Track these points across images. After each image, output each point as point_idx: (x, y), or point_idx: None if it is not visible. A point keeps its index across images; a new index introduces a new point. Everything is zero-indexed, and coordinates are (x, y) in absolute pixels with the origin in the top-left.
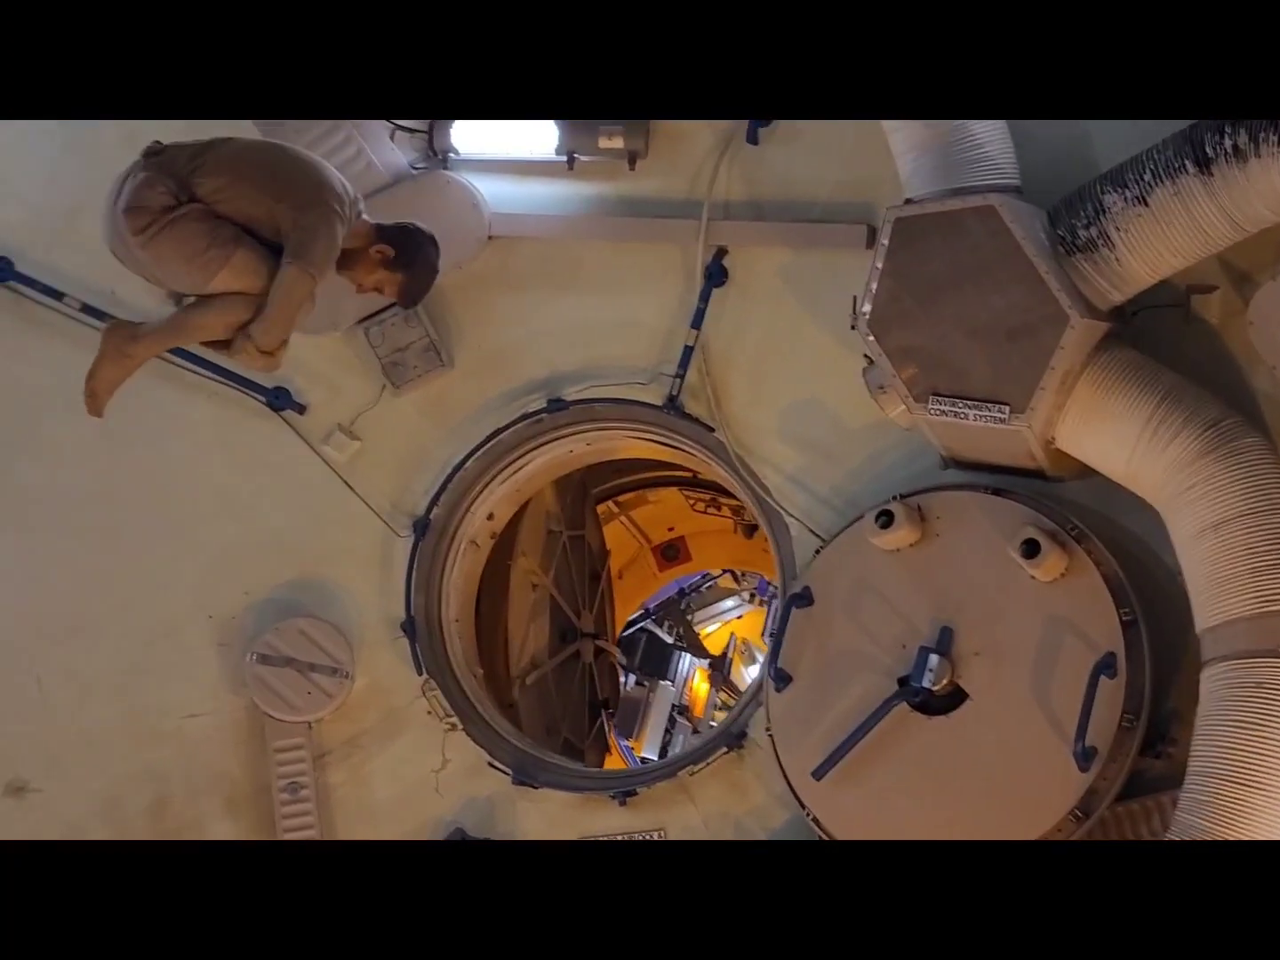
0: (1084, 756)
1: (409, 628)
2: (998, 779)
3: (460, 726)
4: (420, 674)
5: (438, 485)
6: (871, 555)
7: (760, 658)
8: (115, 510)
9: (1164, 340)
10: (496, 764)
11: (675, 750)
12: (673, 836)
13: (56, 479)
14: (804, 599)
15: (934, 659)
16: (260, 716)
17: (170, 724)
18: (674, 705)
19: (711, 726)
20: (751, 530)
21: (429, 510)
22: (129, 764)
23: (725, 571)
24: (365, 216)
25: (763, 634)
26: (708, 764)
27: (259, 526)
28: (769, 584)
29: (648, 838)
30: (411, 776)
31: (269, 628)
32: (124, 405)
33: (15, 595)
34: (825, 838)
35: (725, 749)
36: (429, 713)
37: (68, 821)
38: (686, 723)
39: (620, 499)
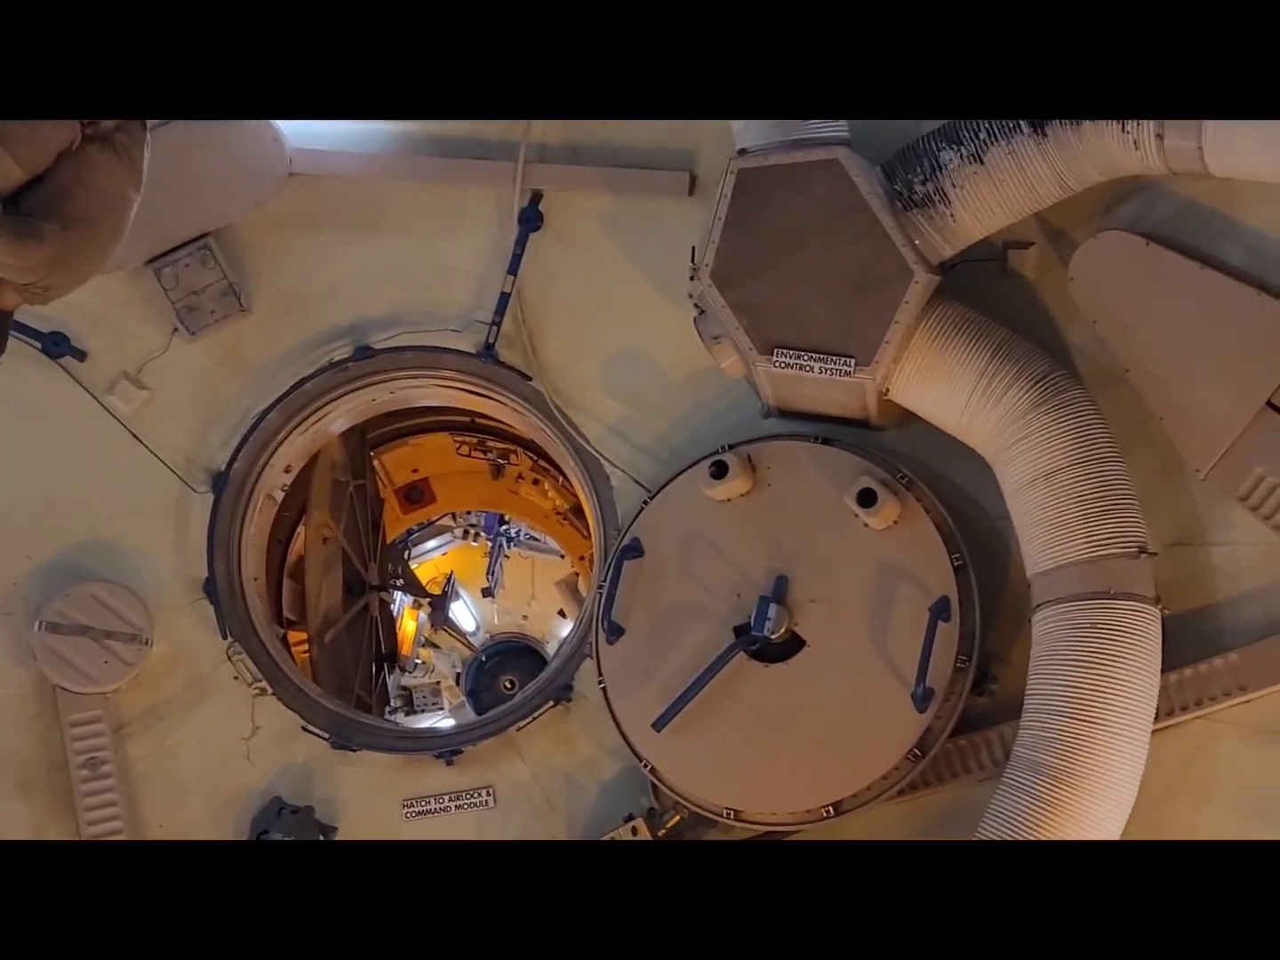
0: (923, 698)
1: (211, 589)
2: (836, 723)
3: (270, 691)
4: (225, 637)
5: (239, 437)
6: (702, 505)
7: (466, 596)
8: None
9: (981, 293)
10: (311, 728)
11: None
12: (502, 794)
13: None
14: (634, 551)
15: (773, 608)
16: (51, 689)
17: None
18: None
19: (418, 664)
20: (499, 470)
21: (230, 464)
22: None
23: (446, 514)
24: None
25: (487, 571)
26: (534, 718)
27: (39, 484)
28: (501, 521)
29: (476, 797)
30: (220, 746)
31: (57, 594)
32: None
33: None
34: (664, 788)
35: (552, 703)
36: (235, 678)
37: None
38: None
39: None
